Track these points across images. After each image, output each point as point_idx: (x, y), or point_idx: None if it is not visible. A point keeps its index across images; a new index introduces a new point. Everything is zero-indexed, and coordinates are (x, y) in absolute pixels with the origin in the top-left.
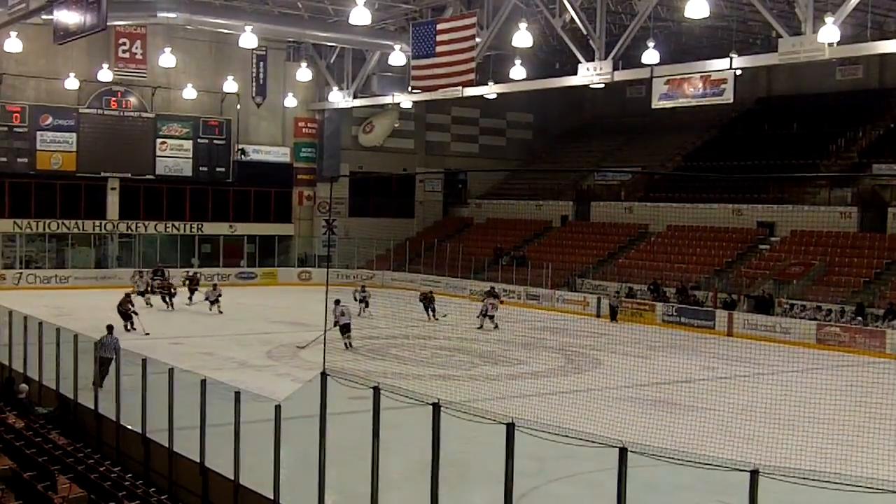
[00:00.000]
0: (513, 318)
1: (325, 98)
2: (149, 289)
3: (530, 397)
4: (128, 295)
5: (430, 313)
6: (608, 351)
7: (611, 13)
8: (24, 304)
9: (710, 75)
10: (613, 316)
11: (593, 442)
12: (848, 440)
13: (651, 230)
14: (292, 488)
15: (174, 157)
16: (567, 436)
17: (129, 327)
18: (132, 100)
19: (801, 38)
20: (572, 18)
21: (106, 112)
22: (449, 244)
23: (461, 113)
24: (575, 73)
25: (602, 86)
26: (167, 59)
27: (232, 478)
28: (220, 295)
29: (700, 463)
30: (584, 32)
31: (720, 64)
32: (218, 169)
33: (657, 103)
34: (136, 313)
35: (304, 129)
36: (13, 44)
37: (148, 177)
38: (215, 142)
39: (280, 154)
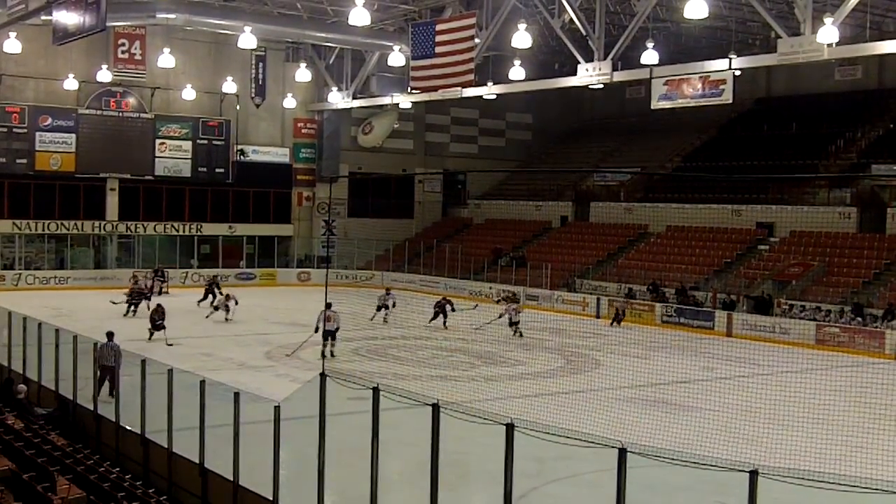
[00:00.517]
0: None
1: (324, 99)
2: (150, 290)
3: (530, 398)
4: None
5: (444, 320)
6: (607, 351)
7: (610, 14)
8: (23, 305)
9: (709, 76)
10: (618, 320)
11: (592, 442)
12: (847, 440)
13: (650, 231)
14: (292, 489)
15: (173, 157)
16: (566, 436)
17: (153, 330)
18: (131, 100)
19: (800, 38)
20: (571, 19)
21: (105, 113)
22: (448, 245)
23: (460, 113)
24: (574, 74)
25: (601, 86)
26: (166, 60)
27: (231, 478)
28: (234, 303)
29: (699, 463)
30: (584, 33)
31: (719, 64)
32: (217, 170)
33: (656, 104)
34: (164, 327)
35: (303, 130)
36: (12, 44)
37: (147, 177)
38: (214, 142)
39: (279, 155)
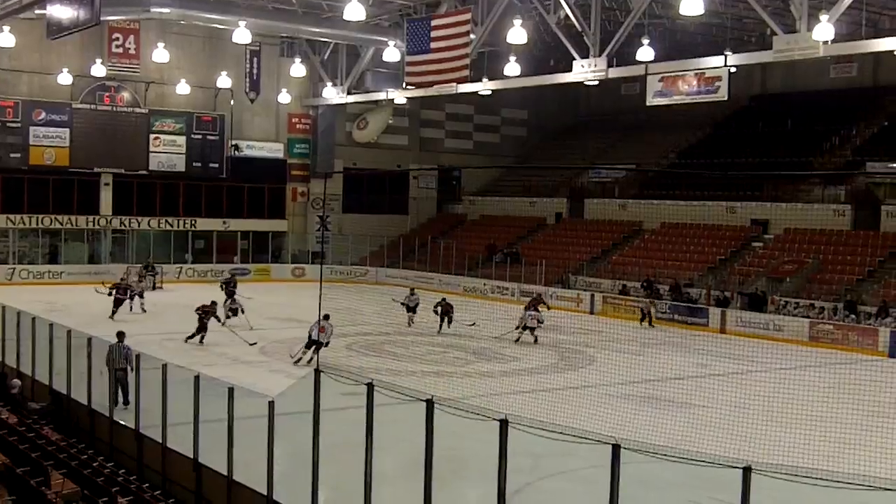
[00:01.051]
0: (507, 315)
1: (318, 94)
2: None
3: (524, 394)
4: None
5: (447, 323)
6: (601, 348)
7: (605, 10)
8: (17, 300)
9: (704, 73)
10: (648, 319)
11: (587, 439)
12: (840, 437)
13: (645, 227)
14: (286, 484)
15: (167, 152)
16: (561, 433)
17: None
18: (125, 95)
19: (796, 35)
20: (567, 15)
21: (99, 107)
22: (443, 241)
23: (455, 109)
24: (569, 70)
25: (596, 83)
26: (160, 55)
27: (226, 474)
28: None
29: (693, 460)
30: (579, 29)
31: (715, 61)
32: (211, 164)
33: (651, 100)
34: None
35: (297, 125)
36: (6, 38)
37: (141, 172)
38: (209, 137)
39: (274, 150)
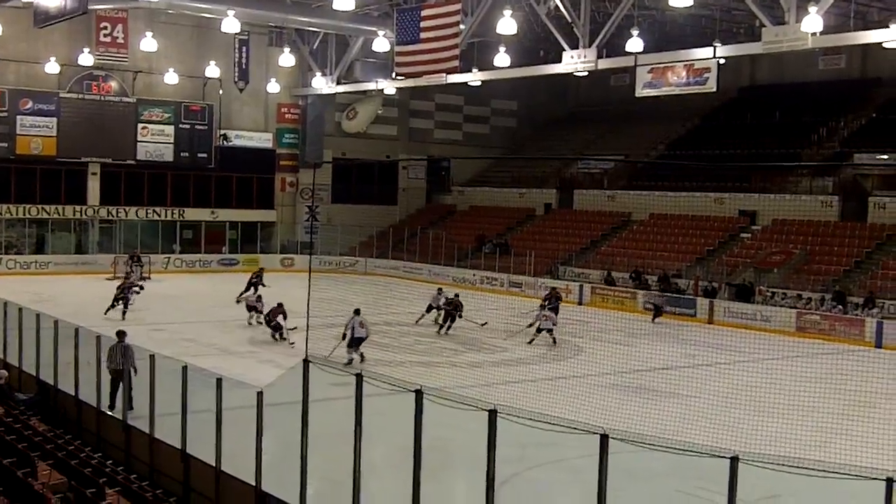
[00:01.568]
0: (495, 305)
1: (308, 84)
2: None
3: (512, 384)
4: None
5: (447, 326)
6: (589, 338)
7: (595, 1)
8: (3, 290)
9: (693, 64)
10: (658, 314)
11: (575, 429)
12: (827, 427)
13: (633, 218)
14: (274, 475)
15: (155, 142)
16: (549, 423)
17: (278, 337)
18: (113, 84)
19: (785, 27)
20: (556, 6)
21: (87, 97)
22: (432, 231)
23: (445, 100)
24: (559, 61)
25: (586, 74)
26: (149, 44)
27: (214, 464)
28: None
29: (680, 450)
30: (569, 20)
31: (703, 53)
32: (200, 154)
33: (641, 92)
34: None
35: (286, 115)
36: None
37: (129, 162)
38: (197, 127)
39: (262, 140)
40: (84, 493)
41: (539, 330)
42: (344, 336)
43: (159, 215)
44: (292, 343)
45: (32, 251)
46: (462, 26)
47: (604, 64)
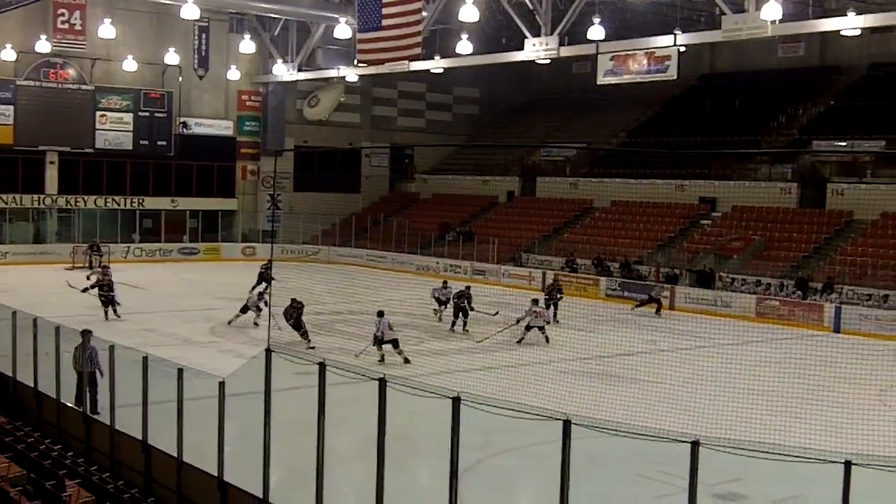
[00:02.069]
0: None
1: (269, 71)
2: (90, 265)
3: (476, 371)
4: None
5: (463, 318)
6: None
7: None
8: None
9: (654, 52)
10: (658, 309)
11: (538, 415)
12: (786, 411)
13: (596, 206)
14: (237, 465)
15: (114, 130)
16: (512, 409)
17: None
18: (71, 72)
19: (744, 15)
20: None
21: (44, 84)
22: (395, 219)
23: (407, 87)
24: (521, 49)
25: (548, 61)
26: (107, 31)
27: (175, 455)
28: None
29: (643, 435)
30: (531, 7)
31: (664, 41)
32: (159, 142)
33: (602, 79)
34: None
35: (247, 103)
36: None
37: (87, 150)
38: (156, 115)
39: (223, 127)
40: (44, 485)
41: (529, 328)
42: (376, 339)
43: (119, 204)
44: (312, 347)
45: None
46: (424, 13)
47: (565, 52)
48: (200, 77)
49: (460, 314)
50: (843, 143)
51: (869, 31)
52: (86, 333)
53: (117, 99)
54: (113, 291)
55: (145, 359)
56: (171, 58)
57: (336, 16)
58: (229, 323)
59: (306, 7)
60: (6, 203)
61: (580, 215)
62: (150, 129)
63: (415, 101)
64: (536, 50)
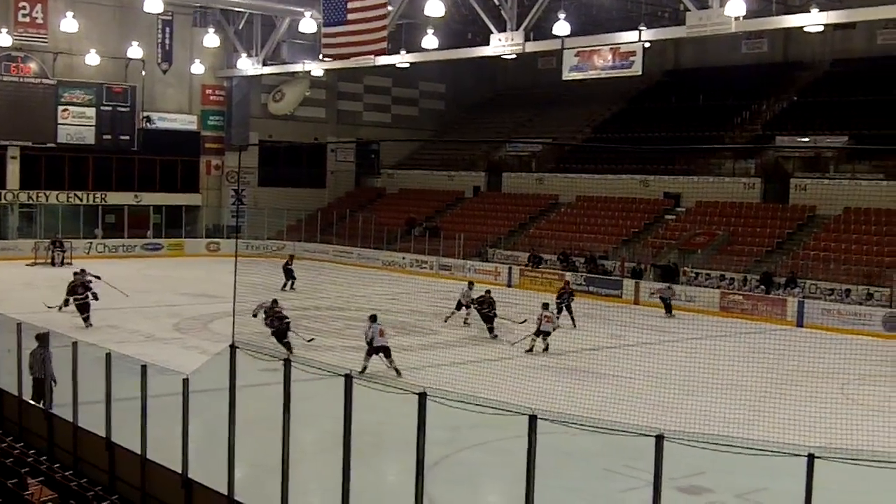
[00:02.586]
0: (425, 288)
1: (233, 65)
2: (53, 261)
3: (443, 367)
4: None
5: (489, 325)
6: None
7: None
8: None
9: (619, 48)
10: (668, 309)
11: (504, 410)
12: (750, 405)
13: (561, 201)
14: (201, 462)
15: (77, 124)
16: (478, 405)
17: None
18: (32, 66)
19: (709, 11)
20: None
21: (5, 78)
22: (361, 215)
23: (373, 82)
24: (487, 44)
25: (514, 57)
26: (69, 24)
27: (139, 452)
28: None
29: (608, 429)
30: (496, 3)
31: (629, 36)
32: (122, 137)
33: (567, 75)
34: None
35: (211, 97)
36: None
37: (49, 145)
38: (119, 109)
39: (187, 122)
40: (5, 483)
41: (539, 333)
42: (370, 345)
43: (81, 199)
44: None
45: None
46: (390, 7)
47: (531, 47)
48: (164, 71)
49: (486, 321)
50: (806, 139)
51: (832, 28)
52: (41, 338)
53: (79, 93)
54: (89, 291)
55: (108, 355)
56: (135, 52)
57: (301, 9)
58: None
59: (271, 1)
60: None
61: (546, 210)
62: (113, 123)
63: (380, 96)
64: (502, 45)
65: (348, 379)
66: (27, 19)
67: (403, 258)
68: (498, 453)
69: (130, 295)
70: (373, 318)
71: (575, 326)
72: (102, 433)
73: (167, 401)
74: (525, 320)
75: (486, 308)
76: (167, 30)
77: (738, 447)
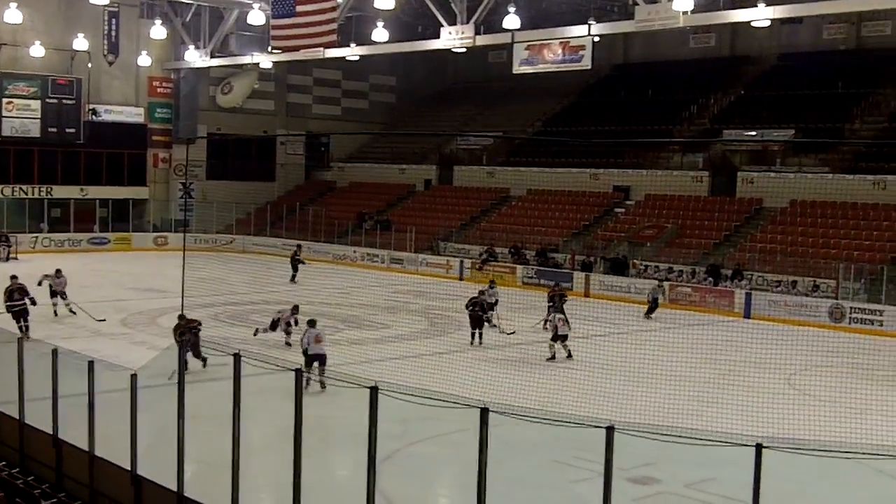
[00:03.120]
0: (376, 282)
1: (180, 57)
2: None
3: (394, 360)
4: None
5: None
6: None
7: None
8: None
9: (569, 41)
10: (652, 309)
11: (455, 403)
12: (699, 395)
13: (512, 194)
14: (151, 458)
15: (21, 117)
16: (430, 398)
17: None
18: None
19: (657, 6)
20: None
21: None
22: (311, 208)
23: (323, 74)
24: (437, 37)
25: (464, 50)
26: (13, 15)
27: (87, 449)
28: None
29: (558, 421)
30: None
31: (579, 30)
32: (68, 130)
33: (518, 68)
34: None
35: (158, 89)
36: None
37: None
38: (65, 101)
39: (133, 114)
40: None
41: (556, 337)
42: (305, 353)
43: (26, 193)
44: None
45: None
46: (339, 0)
47: (481, 40)
48: (110, 63)
49: (477, 325)
50: (753, 133)
51: (779, 22)
52: None
53: (24, 85)
54: (27, 296)
55: (55, 351)
56: (80, 43)
57: (250, 1)
58: (255, 334)
59: None
60: None
61: (497, 204)
62: (59, 116)
63: (330, 89)
64: (452, 38)
65: (299, 373)
66: None
67: (354, 252)
68: (450, 446)
69: (105, 318)
70: (311, 323)
71: (569, 329)
72: (49, 430)
73: (115, 397)
74: (514, 331)
75: (477, 309)
76: (113, 21)
77: (687, 438)
